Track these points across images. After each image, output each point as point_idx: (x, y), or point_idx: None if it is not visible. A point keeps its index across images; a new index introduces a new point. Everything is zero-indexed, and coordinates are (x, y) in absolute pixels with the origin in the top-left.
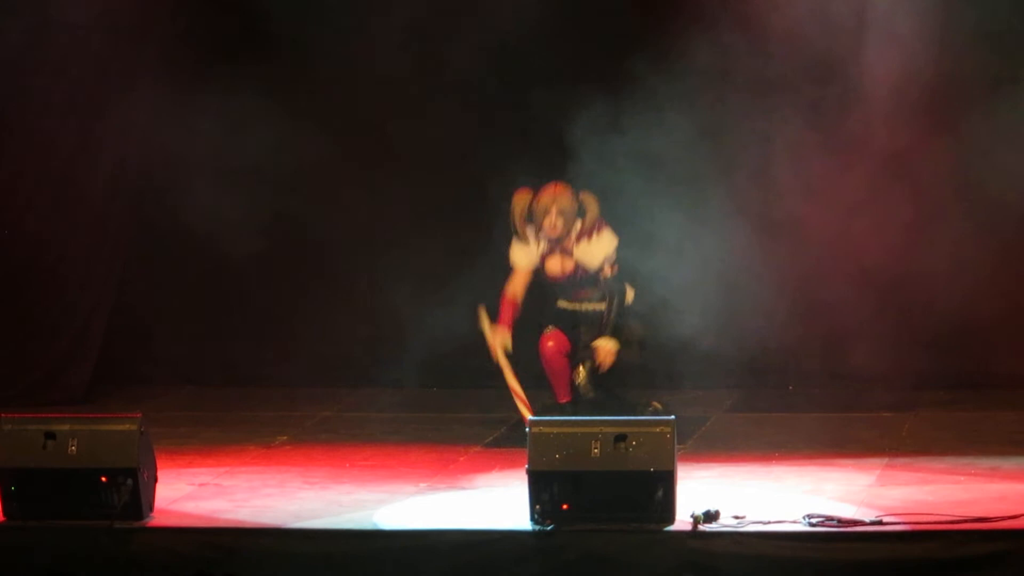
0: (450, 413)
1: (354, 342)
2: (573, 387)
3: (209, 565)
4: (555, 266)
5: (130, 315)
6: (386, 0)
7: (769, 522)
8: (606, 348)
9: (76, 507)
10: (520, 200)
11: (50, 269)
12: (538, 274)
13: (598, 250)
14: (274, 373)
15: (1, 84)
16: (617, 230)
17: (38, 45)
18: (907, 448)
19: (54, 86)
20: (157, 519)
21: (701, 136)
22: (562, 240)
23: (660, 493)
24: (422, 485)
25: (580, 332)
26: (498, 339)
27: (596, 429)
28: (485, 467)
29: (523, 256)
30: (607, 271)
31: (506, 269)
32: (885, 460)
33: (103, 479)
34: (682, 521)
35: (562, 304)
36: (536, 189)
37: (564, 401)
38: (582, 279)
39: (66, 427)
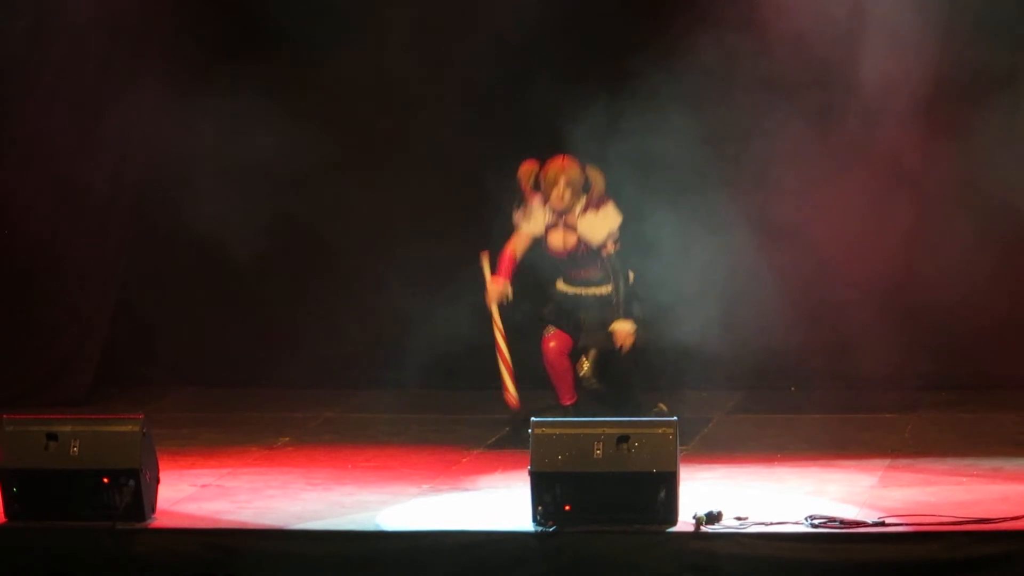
0: (453, 414)
1: (356, 343)
2: (577, 381)
3: (211, 566)
4: (557, 240)
5: (132, 316)
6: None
7: (771, 523)
8: (624, 330)
9: (78, 508)
10: (527, 171)
11: (52, 270)
12: (538, 249)
13: (603, 225)
14: (276, 374)
15: (2, 84)
16: (618, 253)
17: (39, 45)
18: (909, 449)
19: (55, 86)
20: (159, 520)
21: (704, 138)
22: (566, 214)
23: (663, 494)
24: (425, 486)
25: (579, 318)
26: (496, 287)
27: (598, 430)
28: (488, 468)
29: (527, 221)
30: (610, 247)
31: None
32: (887, 461)
33: (105, 480)
34: (685, 522)
35: (561, 287)
36: (543, 161)
37: (567, 403)
38: (583, 256)
39: (68, 428)
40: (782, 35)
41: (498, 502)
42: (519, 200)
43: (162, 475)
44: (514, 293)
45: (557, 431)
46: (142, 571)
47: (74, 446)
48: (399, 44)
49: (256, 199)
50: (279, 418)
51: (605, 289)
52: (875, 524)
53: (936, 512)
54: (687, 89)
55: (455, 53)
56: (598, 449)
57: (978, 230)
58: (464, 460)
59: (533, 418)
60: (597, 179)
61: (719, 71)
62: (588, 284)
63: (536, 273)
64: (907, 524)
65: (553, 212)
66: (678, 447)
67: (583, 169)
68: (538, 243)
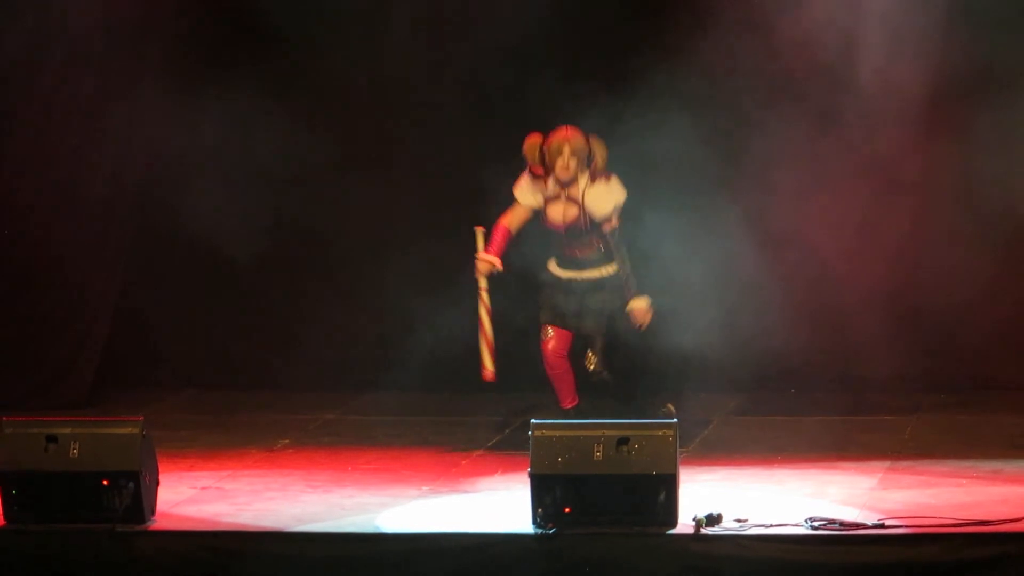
0: (453, 416)
1: (356, 345)
2: (578, 384)
3: (211, 568)
4: (557, 213)
5: (132, 318)
6: (389, 0)
7: (772, 525)
8: (642, 308)
9: (78, 510)
10: (532, 143)
11: (52, 272)
12: (535, 224)
13: (609, 197)
14: (276, 376)
15: (3, 86)
16: (619, 230)
17: (39, 47)
18: (909, 451)
19: (56, 87)
20: (159, 523)
21: (704, 140)
22: (569, 185)
23: (663, 496)
24: (425, 488)
25: (577, 305)
26: (484, 261)
27: (598, 432)
28: (487, 470)
29: (527, 193)
30: (613, 222)
31: (508, 270)
32: (887, 463)
33: (105, 482)
34: (685, 524)
35: (553, 270)
36: (547, 133)
37: (568, 406)
38: (583, 230)
39: (68, 430)
40: (783, 37)
41: (498, 504)
42: (529, 173)
43: (162, 477)
44: (514, 295)
45: (557, 433)
46: (142, 573)
47: (74, 448)
48: (399, 44)
49: (256, 201)
50: (279, 420)
51: (602, 271)
52: (875, 526)
53: (936, 514)
54: (688, 91)
55: (455, 53)
56: (598, 451)
57: (978, 233)
58: (464, 462)
59: (533, 420)
60: (600, 150)
61: (719, 73)
62: (583, 266)
63: (527, 258)
64: (907, 526)
65: (557, 183)
66: (678, 449)
67: (587, 140)
68: (537, 217)
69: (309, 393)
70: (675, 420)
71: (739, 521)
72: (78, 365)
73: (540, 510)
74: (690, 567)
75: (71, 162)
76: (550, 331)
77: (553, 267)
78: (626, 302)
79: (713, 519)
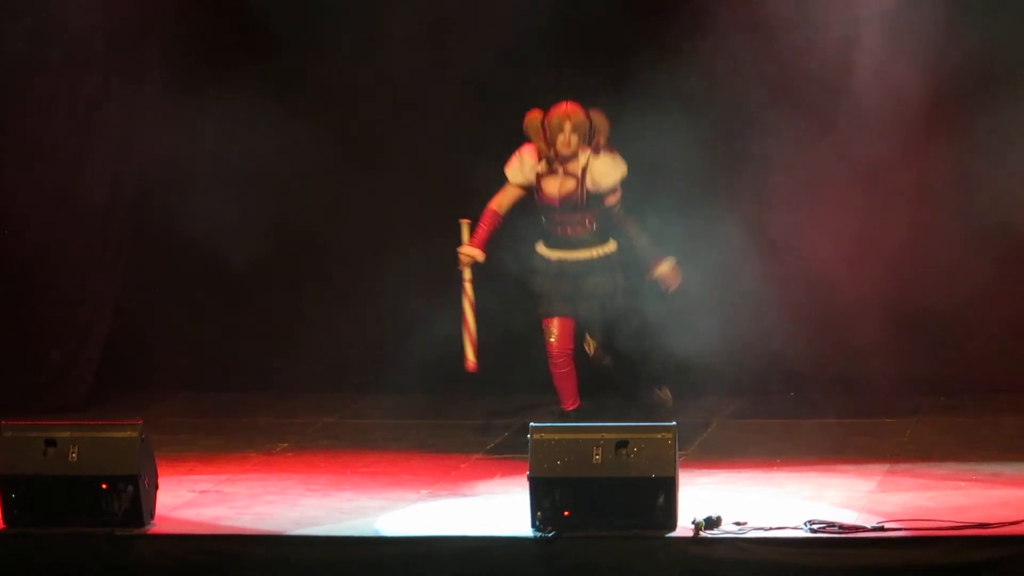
0: (451, 420)
1: (355, 348)
2: (587, 353)
3: (210, 572)
4: (552, 186)
5: (131, 321)
6: (388, 1)
7: (771, 528)
8: (667, 271)
9: (77, 514)
10: (532, 119)
11: (51, 275)
12: (527, 202)
13: (615, 169)
14: (275, 379)
15: (3, 86)
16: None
17: (39, 47)
18: (908, 454)
19: (55, 89)
20: (158, 526)
21: (704, 143)
22: (569, 161)
23: (662, 499)
24: (423, 492)
25: (573, 288)
26: (466, 252)
27: (597, 435)
28: (486, 474)
29: (517, 171)
30: (615, 197)
31: (508, 271)
32: (886, 466)
33: (104, 486)
34: (684, 527)
35: (542, 252)
36: (546, 109)
37: (570, 408)
38: (577, 204)
39: (67, 434)
40: (782, 40)
41: (497, 507)
42: (538, 148)
43: (161, 481)
44: (512, 299)
45: (556, 436)
46: None
47: (73, 452)
48: (399, 44)
49: (255, 203)
50: (278, 424)
51: (592, 252)
52: (874, 529)
53: (935, 517)
54: (688, 93)
55: (455, 53)
56: (597, 454)
57: (977, 236)
58: (463, 465)
59: (532, 423)
60: (603, 124)
61: (720, 75)
62: (573, 245)
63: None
64: (906, 529)
65: (556, 158)
66: (677, 452)
67: (588, 115)
68: (530, 194)
69: (308, 396)
70: (674, 423)
71: (738, 524)
72: (77, 368)
73: (539, 513)
74: (689, 570)
75: (71, 163)
76: (552, 327)
77: (542, 248)
78: (624, 281)
79: (712, 522)
